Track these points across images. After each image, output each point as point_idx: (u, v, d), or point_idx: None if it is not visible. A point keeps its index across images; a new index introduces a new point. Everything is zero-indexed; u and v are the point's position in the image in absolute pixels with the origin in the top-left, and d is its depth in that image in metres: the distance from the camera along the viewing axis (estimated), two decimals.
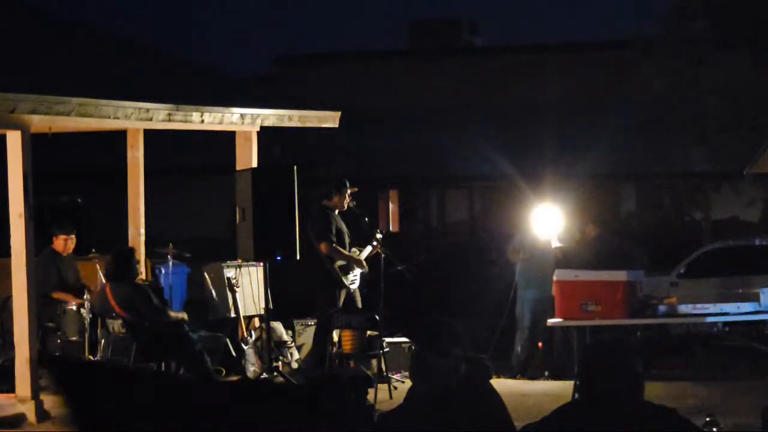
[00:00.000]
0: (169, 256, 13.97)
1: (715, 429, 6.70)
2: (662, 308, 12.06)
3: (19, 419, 10.96)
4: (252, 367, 12.79)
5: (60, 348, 12.54)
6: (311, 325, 13.47)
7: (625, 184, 24.85)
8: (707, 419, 6.80)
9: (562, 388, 12.09)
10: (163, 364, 11.86)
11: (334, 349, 12.44)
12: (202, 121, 13.15)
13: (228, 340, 12.83)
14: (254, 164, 13.74)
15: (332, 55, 29.62)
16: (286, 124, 14.26)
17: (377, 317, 12.16)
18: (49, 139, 12.62)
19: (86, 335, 12.28)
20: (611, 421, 4.72)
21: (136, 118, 12.33)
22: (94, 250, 14.12)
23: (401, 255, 13.66)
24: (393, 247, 13.59)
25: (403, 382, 12.47)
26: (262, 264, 13.00)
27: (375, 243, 12.96)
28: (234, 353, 12.77)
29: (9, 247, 11.25)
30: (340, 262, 12.77)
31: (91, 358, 12.29)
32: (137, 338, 11.82)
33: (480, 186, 25.64)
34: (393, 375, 12.61)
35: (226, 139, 14.45)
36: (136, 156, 14.23)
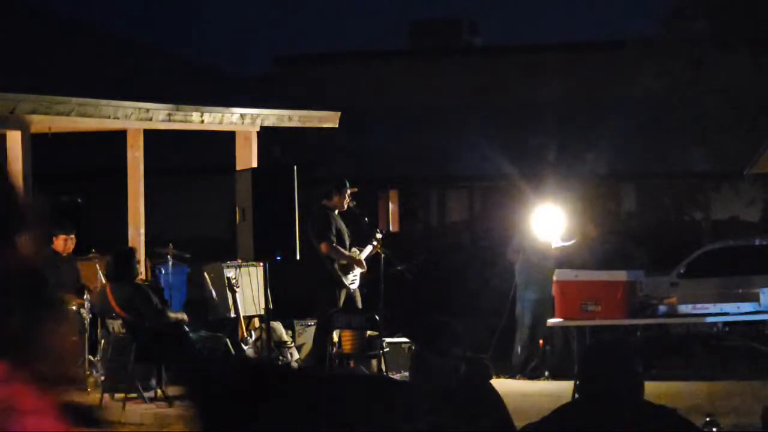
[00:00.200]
0: (169, 256, 13.97)
1: (715, 429, 6.70)
2: (662, 308, 12.07)
3: None
4: None
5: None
6: (311, 325, 13.47)
7: (625, 184, 24.85)
8: (707, 419, 6.81)
9: (562, 388, 12.08)
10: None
11: (334, 349, 12.44)
12: (202, 121, 13.16)
13: (228, 340, 12.84)
14: (254, 164, 13.75)
15: (332, 55, 29.62)
16: (286, 124, 14.26)
17: (377, 317, 12.16)
18: (49, 139, 12.63)
19: (86, 335, 12.29)
20: (611, 421, 4.72)
21: (136, 118, 12.33)
22: (94, 250, 14.12)
23: (401, 255, 13.66)
24: (393, 247, 13.59)
25: None
26: (262, 264, 13.01)
27: (375, 243, 12.96)
28: (234, 353, 12.76)
29: None
30: (341, 262, 12.78)
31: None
32: (137, 338, 11.82)
33: (480, 186, 25.65)
34: (393, 375, 12.61)
35: (226, 139, 14.46)
36: (136, 156, 14.23)
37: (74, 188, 23.69)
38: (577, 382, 5.40)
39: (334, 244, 12.72)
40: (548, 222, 13.92)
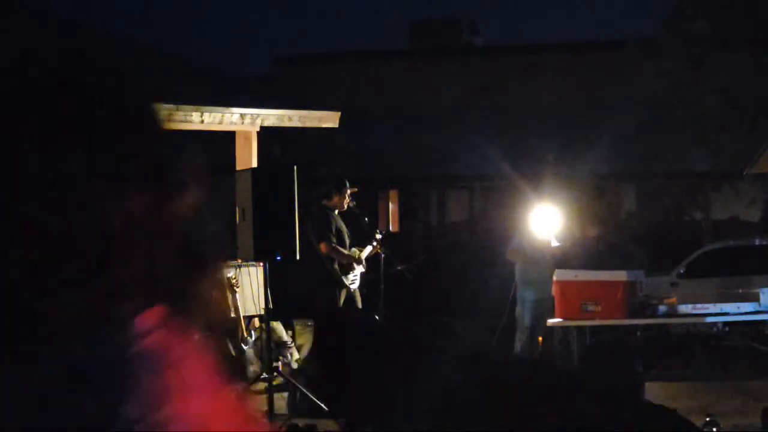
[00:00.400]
0: None
1: (715, 429, 6.71)
2: (662, 308, 12.07)
3: None
4: (252, 368, 12.80)
5: None
6: (311, 325, 13.47)
7: (625, 184, 24.87)
8: (707, 419, 6.81)
9: None
10: None
11: None
12: (202, 121, 13.16)
13: (228, 340, 12.84)
14: (254, 164, 13.75)
15: (332, 55, 29.63)
16: (286, 124, 14.26)
17: (377, 317, 12.16)
18: None
19: None
20: (611, 421, 4.72)
21: None
22: None
23: (401, 255, 13.66)
24: (393, 247, 13.59)
25: None
26: (262, 264, 13.01)
27: (375, 243, 12.97)
28: (234, 353, 12.77)
29: None
30: (342, 262, 12.79)
31: None
32: None
33: (480, 186, 25.66)
34: None
35: (226, 139, 14.46)
36: None
37: None
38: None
39: (334, 244, 12.72)
40: (548, 222, 13.93)
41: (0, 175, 1.24)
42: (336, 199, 12.93)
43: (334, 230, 12.79)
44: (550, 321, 12.27)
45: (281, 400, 11.57)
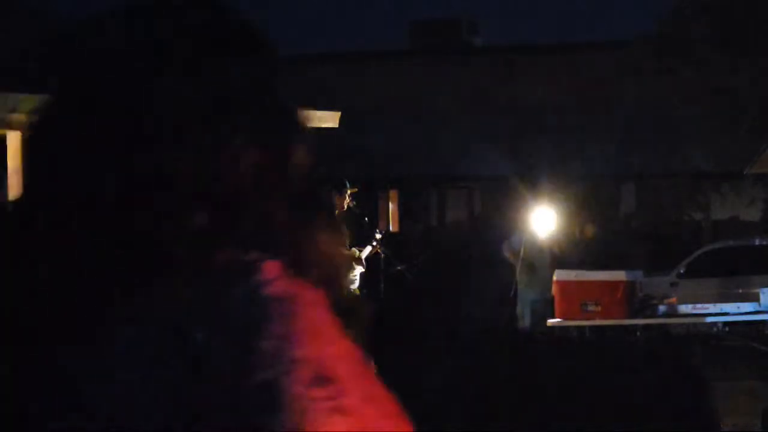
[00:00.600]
0: None
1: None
2: (662, 308, 12.07)
3: None
4: None
5: None
6: None
7: (625, 184, 24.87)
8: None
9: None
10: None
11: None
12: None
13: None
14: None
15: (332, 55, 29.63)
16: None
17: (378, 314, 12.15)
18: None
19: None
20: (611, 421, 4.72)
21: None
22: None
23: (401, 255, 13.66)
24: (393, 247, 13.59)
25: None
26: None
27: (375, 243, 12.97)
28: None
29: None
30: None
31: None
32: None
33: (480, 186, 25.66)
34: None
35: None
36: None
37: None
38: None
39: None
40: (546, 222, 13.93)
41: (128, 123, 1.26)
42: (336, 199, 12.93)
43: None
44: (550, 321, 12.27)
45: None
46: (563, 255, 13.66)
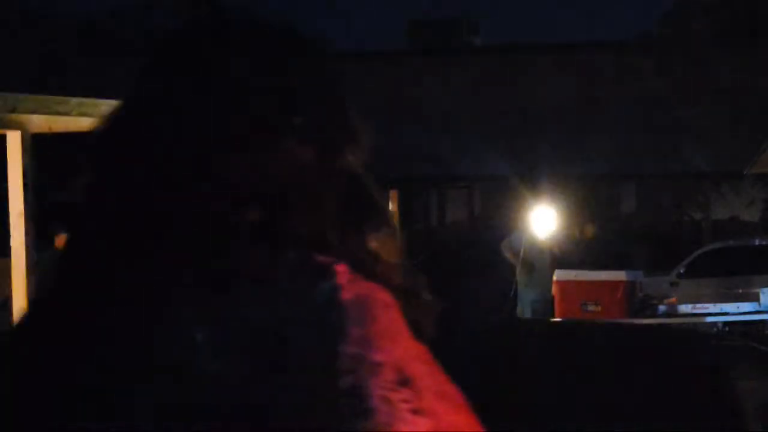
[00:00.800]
0: None
1: None
2: (662, 308, 12.08)
3: None
4: None
5: None
6: None
7: (625, 184, 24.87)
8: None
9: None
10: None
11: None
12: None
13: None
14: None
15: (332, 55, 29.62)
16: None
17: None
18: (49, 139, 12.62)
19: None
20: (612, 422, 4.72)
21: None
22: None
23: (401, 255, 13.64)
24: None
25: None
26: None
27: None
28: None
29: (9, 247, 11.26)
30: None
31: None
32: None
33: (480, 186, 25.66)
34: None
35: None
36: None
37: (74, 188, 23.70)
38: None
39: None
40: (545, 221, 13.93)
41: (189, 123, 1.28)
42: None
43: None
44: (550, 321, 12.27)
45: None
46: (563, 255, 13.66)
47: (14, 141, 11.13)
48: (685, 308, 12.16)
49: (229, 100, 1.29)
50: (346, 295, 1.24)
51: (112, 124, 1.40)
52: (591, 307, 11.58)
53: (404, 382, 1.21)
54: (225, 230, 1.25)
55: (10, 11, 16.01)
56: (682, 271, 17.37)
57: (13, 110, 10.89)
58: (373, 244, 1.33)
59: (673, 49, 21.15)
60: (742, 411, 4.77)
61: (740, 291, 15.30)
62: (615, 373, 4.77)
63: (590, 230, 14.05)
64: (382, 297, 1.26)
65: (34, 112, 11.13)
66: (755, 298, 12.22)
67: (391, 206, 26.19)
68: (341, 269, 1.25)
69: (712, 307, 12.25)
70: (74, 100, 11.49)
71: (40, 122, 11.59)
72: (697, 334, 6.91)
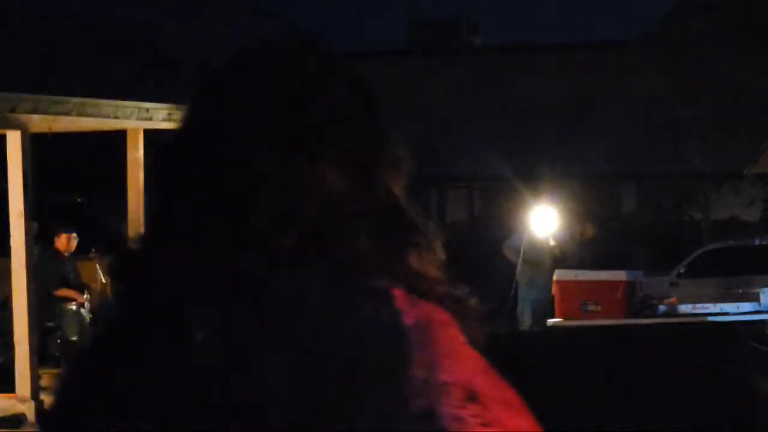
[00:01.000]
0: None
1: None
2: (662, 308, 12.07)
3: (19, 419, 10.97)
4: None
5: (60, 348, 12.56)
6: None
7: (625, 184, 24.87)
8: None
9: None
10: None
11: None
12: None
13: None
14: None
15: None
16: None
17: None
18: (49, 139, 12.63)
19: (86, 335, 12.29)
20: (612, 421, 4.72)
21: (136, 118, 12.34)
22: (94, 249, 14.12)
23: None
24: None
25: None
26: None
27: None
28: None
29: (9, 247, 11.26)
30: None
31: None
32: None
33: (480, 186, 25.66)
34: None
35: None
36: (136, 156, 14.22)
37: (74, 188, 23.72)
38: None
39: None
40: (546, 222, 13.93)
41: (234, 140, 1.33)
42: None
43: None
44: (550, 321, 12.27)
45: None
46: (563, 255, 13.66)
47: (14, 141, 11.13)
48: (685, 308, 12.14)
49: (267, 130, 1.33)
50: (408, 319, 1.27)
51: (171, 148, 1.42)
52: (591, 307, 11.57)
53: (472, 397, 1.25)
54: (254, 250, 1.28)
55: (10, 11, 16.02)
56: (682, 271, 17.37)
57: (13, 110, 10.89)
58: (416, 263, 1.36)
59: (673, 49, 21.15)
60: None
61: (740, 291, 15.30)
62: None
63: (590, 230, 14.03)
64: (440, 317, 1.30)
65: (34, 112, 11.13)
66: (755, 298, 12.20)
67: None
68: (398, 293, 1.29)
69: (712, 307, 12.24)
70: (74, 100, 11.50)
71: (40, 122, 11.59)
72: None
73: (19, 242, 11.09)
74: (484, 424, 1.25)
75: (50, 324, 12.60)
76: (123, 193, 14.47)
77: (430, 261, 1.39)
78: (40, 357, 11.68)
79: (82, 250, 13.90)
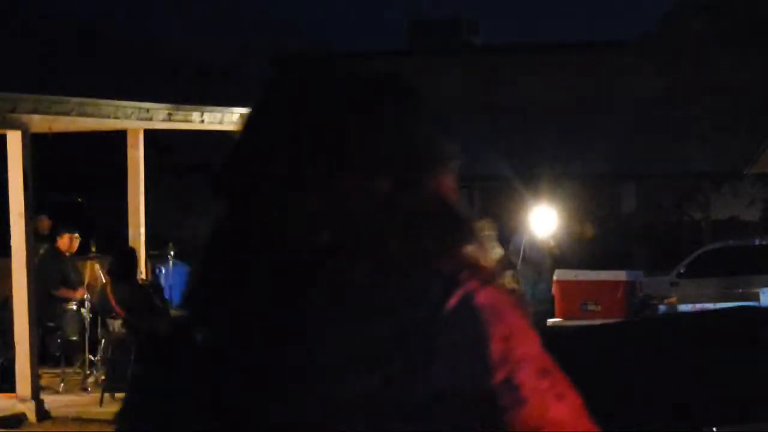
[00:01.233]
0: (169, 257, 13.97)
1: (714, 429, 6.71)
2: (662, 308, 12.08)
3: (19, 419, 10.97)
4: None
5: (60, 348, 12.56)
6: None
7: (625, 184, 24.86)
8: None
9: None
10: None
11: None
12: (202, 121, 13.16)
13: None
14: None
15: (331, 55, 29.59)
16: None
17: None
18: (49, 139, 12.63)
19: (86, 335, 12.29)
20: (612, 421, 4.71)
21: (136, 118, 12.34)
22: (94, 249, 14.12)
23: None
24: None
25: None
26: None
27: None
28: None
29: (10, 247, 11.26)
30: None
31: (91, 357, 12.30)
32: (137, 338, 11.81)
33: (480, 186, 25.65)
34: None
35: (227, 139, 14.45)
36: (136, 156, 14.22)
37: (74, 188, 23.72)
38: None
39: None
40: (546, 222, 13.93)
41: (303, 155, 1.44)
42: None
43: None
44: (550, 321, 12.28)
45: None
46: (563, 255, 13.66)
47: (14, 141, 11.13)
48: (685, 308, 12.15)
49: (309, 140, 1.44)
50: (480, 299, 1.39)
51: (232, 157, 1.58)
52: (591, 307, 11.58)
53: (544, 372, 1.37)
54: (300, 244, 1.38)
55: (10, 11, 16.03)
56: (682, 271, 17.37)
57: (13, 110, 10.90)
58: (471, 253, 1.46)
59: (673, 49, 21.14)
60: None
61: (740, 291, 15.29)
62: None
63: (590, 230, 14.04)
64: (505, 299, 1.42)
65: (34, 112, 11.13)
66: (755, 298, 12.21)
67: None
68: (465, 277, 1.40)
69: (712, 307, 12.24)
70: (74, 100, 11.50)
71: (40, 122, 11.59)
72: None
73: (19, 242, 11.10)
74: (559, 396, 1.36)
75: (50, 324, 12.60)
76: (123, 193, 14.47)
77: (481, 250, 1.48)
78: (40, 357, 11.69)
79: (82, 250, 13.90)
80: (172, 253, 14.02)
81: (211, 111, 13.18)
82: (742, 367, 4.66)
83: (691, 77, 21.19)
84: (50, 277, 12.75)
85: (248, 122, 1.56)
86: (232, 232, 1.47)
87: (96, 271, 13.31)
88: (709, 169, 22.26)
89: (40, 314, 11.75)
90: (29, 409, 11.01)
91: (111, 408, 11.29)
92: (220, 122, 13.38)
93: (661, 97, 21.48)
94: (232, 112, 13.40)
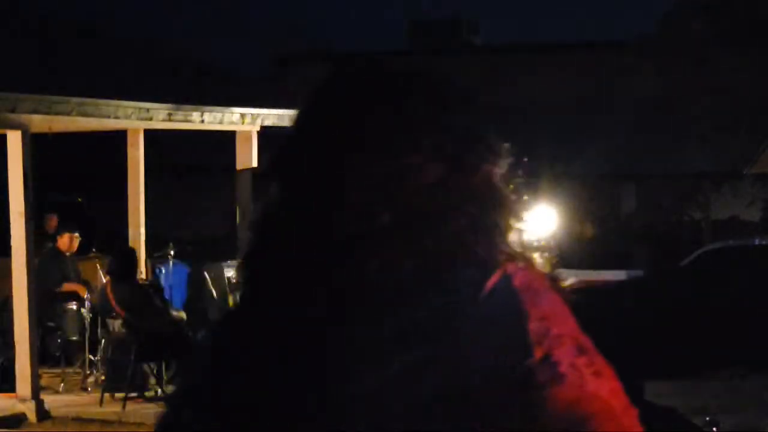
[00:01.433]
0: (169, 256, 13.98)
1: (714, 429, 6.71)
2: None
3: (19, 419, 10.98)
4: None
5: (60, 348, 12.56)
6: None
7: (625, 184, 24.86)
8: (707, 419, 6.82)
9: None
10: None
11: None
12: (202, 121, 13.17)
13: None
14: (254, 164, 13.76)
15: (332, 55, 29.62)
16: (286, 124, 14.26)
17: None
18: (49, 139, 12.64)
19: (86, 335, 12.29)
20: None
21: (136, 118, 12.35)
22: (94, 249, 14.13)
23: None
24: None
25: None
26: None
27: None
28: None
29: (10, 247, 11.27)
30: None
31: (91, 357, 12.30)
32: (137, 338, 11.82)
33: None
34: None
35: (226, 139, 14.46)
36: (136, 156, 14.24)
37: (74, 188, 23.72)
38: None
39: None
40: (545, 222, 13.93)
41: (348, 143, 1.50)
42: None
43: None
44: None
45: None
46: (563, 255, 13.66)
47: (14, 141, 11.14)
48: None
49: (364, 133, 1.50)
50: (518, 281, 1.46)
51: (284, 149, 1.59)
52: None
53: (582, 350, 1.42)
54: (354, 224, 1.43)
55: (10, 11, 16.04)
56: None
57: (13, 110, 10.90)
58: (512, 238, 1.57)
59: (673, 49, 21.14)
60: None
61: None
62: None
63: (590, 230, 14.05)
64: (542, 281, 1.50)
65: (34, 112, 11.14)
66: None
67: None
68: (504, 259, 1.49)
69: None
70: (74, 100, 11.51)
71: (40, 122, 11.60)
72: None
73: (19, 242, 11.10)
74: (596, 373, 1.40)
75: (50, 324, 12.60)
76: (123, 193, 14.48)
77: (522, 236, 1.59)
78: (40, 357, 11.70)
79: (82, 250, 13.91)
80: (172, 253, 14.03)
81: (211, 111, 13.19)
82: None
83: (691, 77, 21.19)
84: (51, 276, 12.76)
85: (306, 111, 1.58)
86: (284, 213, 1.50)
87: (96, 271, 13.32)
88: (709, 169, 22.26)
89: (40, 314, 11.76)
90: (29, 409, 11.02)
91: (111, 408, 11.30)
92: (220, 122, 13.39)
93: (661, 97, 21.48)
94: (232, 112, 13.40)
